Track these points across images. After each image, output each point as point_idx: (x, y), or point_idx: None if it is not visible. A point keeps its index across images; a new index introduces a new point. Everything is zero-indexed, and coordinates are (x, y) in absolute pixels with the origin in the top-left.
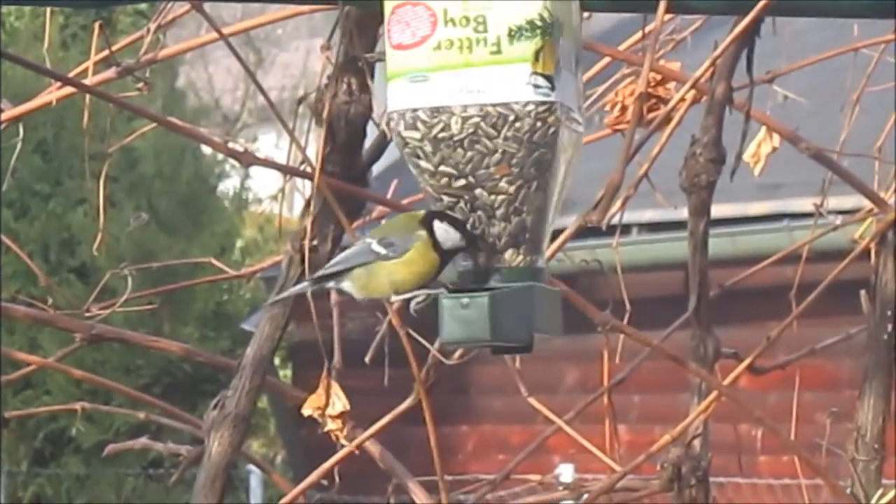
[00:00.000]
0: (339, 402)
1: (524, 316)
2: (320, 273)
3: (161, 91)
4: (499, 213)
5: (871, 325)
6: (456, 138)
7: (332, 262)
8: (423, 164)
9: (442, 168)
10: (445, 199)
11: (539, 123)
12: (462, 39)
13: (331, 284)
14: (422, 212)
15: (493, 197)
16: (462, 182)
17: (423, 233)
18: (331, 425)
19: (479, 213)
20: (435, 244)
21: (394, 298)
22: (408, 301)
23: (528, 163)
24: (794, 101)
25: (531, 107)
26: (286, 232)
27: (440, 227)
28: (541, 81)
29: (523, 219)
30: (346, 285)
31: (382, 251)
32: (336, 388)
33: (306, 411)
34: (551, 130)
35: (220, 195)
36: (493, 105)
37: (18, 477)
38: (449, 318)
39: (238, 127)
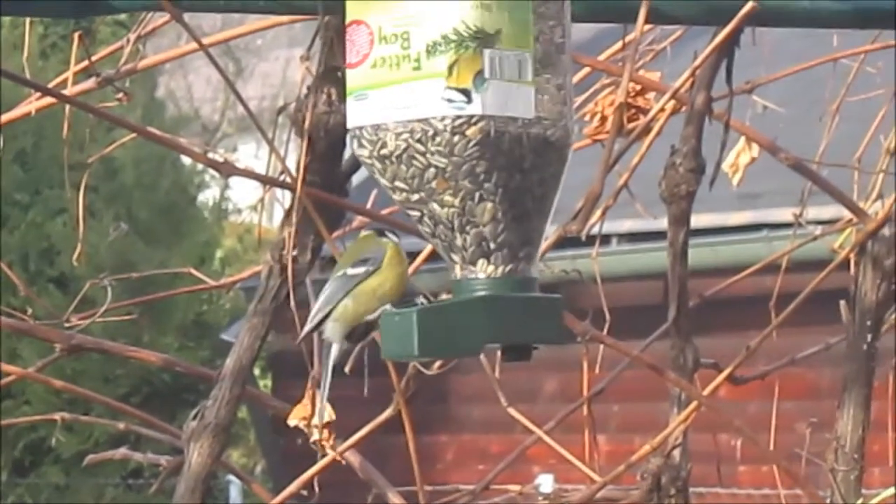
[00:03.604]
0: (325, 413)
1: (475, 328)
2: (309, 327)
3: (140, 101)
4: (455, 224)
5: (850, 335)
6: (395, 155)
7: (314, 311)
8: (379, 179)
9: (396, 183)
10: (411, 212)
11: (457, 137)
12: (392, 57)
13: (316, 335)
14: (371, 231)
15: (444, 210)
16: (416, 196)
17: (386, 240)
18: (317, 435)
19: (441, 225)
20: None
21: (370, 317)
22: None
23: (460, 175)
24: (774, 111)
25: (448, 121)
26: (266, 242)
27: (391, 236)
28: (454, 95)
29: (480, 230)
30: (330, 328)
31: (361, 269)
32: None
33: (292, 421)
34: (472, 143)
35: (200, 205)
36: (417, 121)
37: None
38: (385, 334)
39: (218, 137)
